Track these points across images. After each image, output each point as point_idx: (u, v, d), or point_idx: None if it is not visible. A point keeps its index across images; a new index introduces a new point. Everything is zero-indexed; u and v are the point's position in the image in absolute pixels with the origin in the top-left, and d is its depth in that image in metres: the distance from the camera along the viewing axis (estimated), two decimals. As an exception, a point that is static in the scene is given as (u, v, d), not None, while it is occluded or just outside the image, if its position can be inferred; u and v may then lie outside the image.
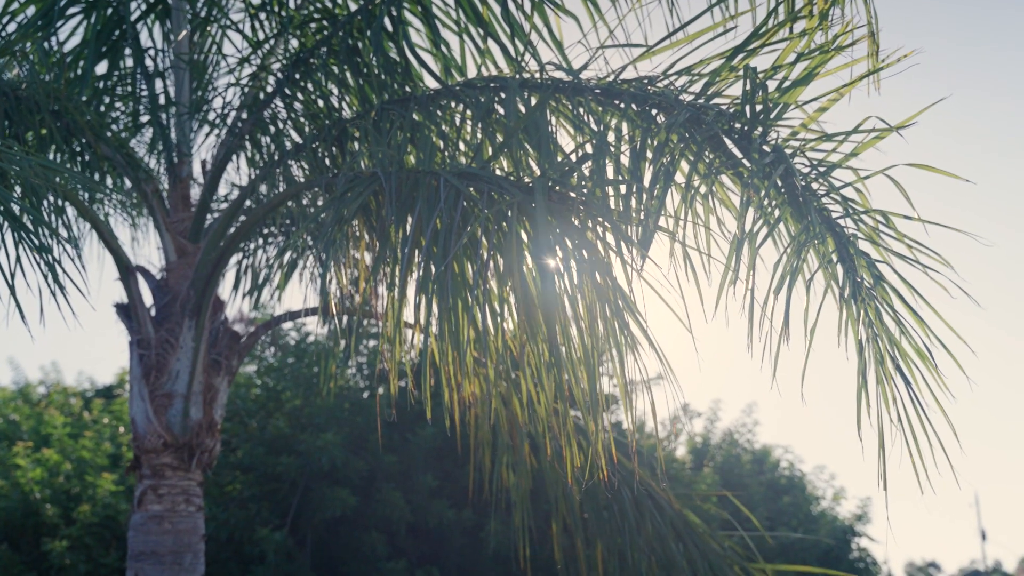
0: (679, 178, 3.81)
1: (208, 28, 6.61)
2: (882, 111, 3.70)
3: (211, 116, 6.36)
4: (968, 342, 3.48)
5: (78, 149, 6.12)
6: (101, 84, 6.52)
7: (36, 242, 4.47)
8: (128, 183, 6.39)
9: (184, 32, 6.18)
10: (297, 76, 5.93)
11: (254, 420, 11.13)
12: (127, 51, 6.52)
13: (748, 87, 3.55)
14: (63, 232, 5.62)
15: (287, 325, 13.01)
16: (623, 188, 3.71)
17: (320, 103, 5.90)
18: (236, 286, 7.27)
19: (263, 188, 6.39)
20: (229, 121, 6.38)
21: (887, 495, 3.27)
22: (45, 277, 4.41)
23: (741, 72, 3.84)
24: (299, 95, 6.11)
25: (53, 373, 17.88)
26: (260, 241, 7.44)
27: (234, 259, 7.42)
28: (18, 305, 4.21)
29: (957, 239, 3.33)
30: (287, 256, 7.00)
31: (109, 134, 6.28)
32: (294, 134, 6.14)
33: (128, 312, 6.02)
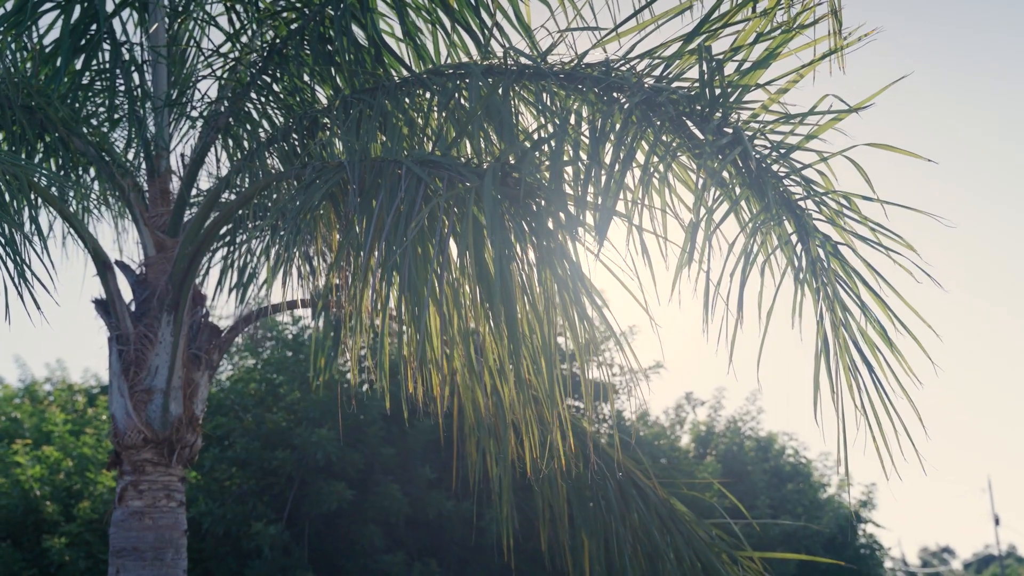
0: (640, 161, 3.75)
1: (185, 21, 6.57)
2: (848, 90, 3.64)
3: (189, 110, 6.33)
4: (938, 324, 3.42)
5: (52, 145, 6.09)
6: (82, 79, 6.49)
7: (3, 239, 4.46)
8: (105, 178, 6.36)
9: (155, 25, 6.14)
10: (271, 68, 5.89)
11: (249, 415, 11.13)
12: (105, 45, 6.48)
13: (704, 68, 3.49)
14: (40, 230, 5.65)
15: (284, 319, 13.00)
16: (582, 171, 3.66)
17: (293, 94, 5.87)
18: (220, 281, 7.23)
19: (245, 181, 6.35)
20: (207, 114, 6.35)
21: (849, 476, 3.20)
22: (11, 276, 4.40)
23: (702, 54, 3.77)
24: (275, 86, 6.07)
25: (59, 371, 17.91)
26: (245, 236, 7.40)
27: (220, 254, 7.39)
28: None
29: (919, 220, 3.27)
30: (274, 250, 6.95)
31: (87, 129, 6.26)
32: (270, 126, 6.10)
33: (107, 308, 6.00)
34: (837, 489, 16.83)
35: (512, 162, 3.90)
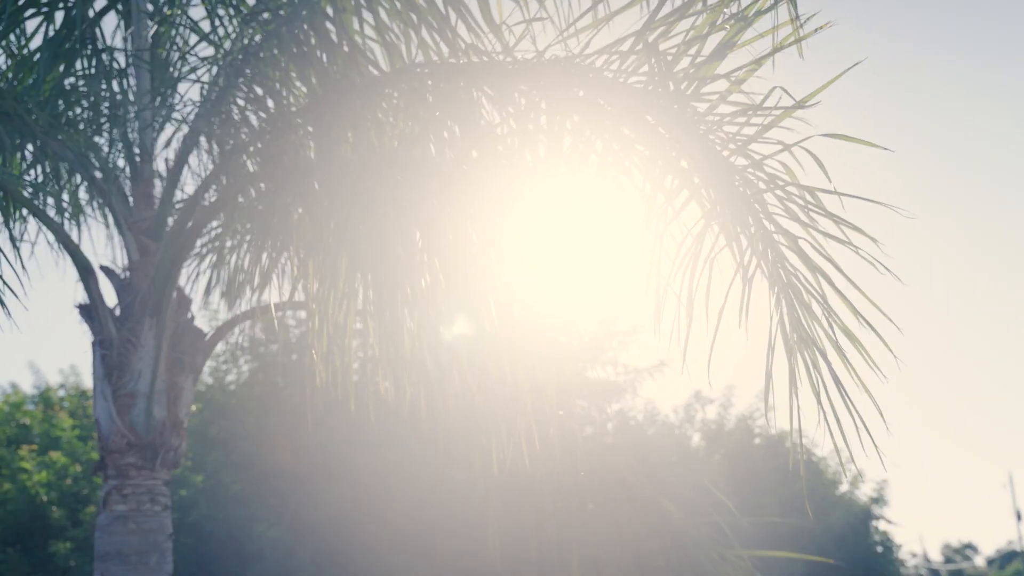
0: (599, 153, 3.71)
1: (167, 28, 6.57)
2: (810, 76, 3.58)
3: (171, 113, 6.33)
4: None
5: (35, 153, 6.11)
6: (64, 84, 6.49)
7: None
8: (88, 183, 6.37)
9: (131, 29, 6.15)
10: (248, 70, 5.88)
11: (251, 418, 11.15)
12: (87, 51, 6.48)
13: (655, 63, 3.45)
14: (13, 237, 5.71)
15: (290, 322, 13.00)
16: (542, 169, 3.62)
17: (273, 96, 5.85)
18: (210, 285, 7.22)
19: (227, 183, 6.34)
20: (190, 118, 6.34)
21: (802, 458, 3.15)
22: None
23: (667, 46, 3.73)
24: (256, 88, 6.05)
25: (72, 376, 18.01)
26: (235, 240, 7.38)
27: (210, 258, 7.38)
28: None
29: (877, 213, 3.21)
30: (255, 253, 6.93)
31: (73, 134, 6.27)
32: (249, 128, 6.08)
33: (90, 313, 6.02)
34: (850, 486, 16.70)
35: (475, 156, 3.88)
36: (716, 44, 3.53)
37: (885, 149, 3.24)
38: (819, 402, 3.24)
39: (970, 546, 48.35)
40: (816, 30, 3.31)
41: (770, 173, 3.43)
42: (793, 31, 3.43)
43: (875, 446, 3.15)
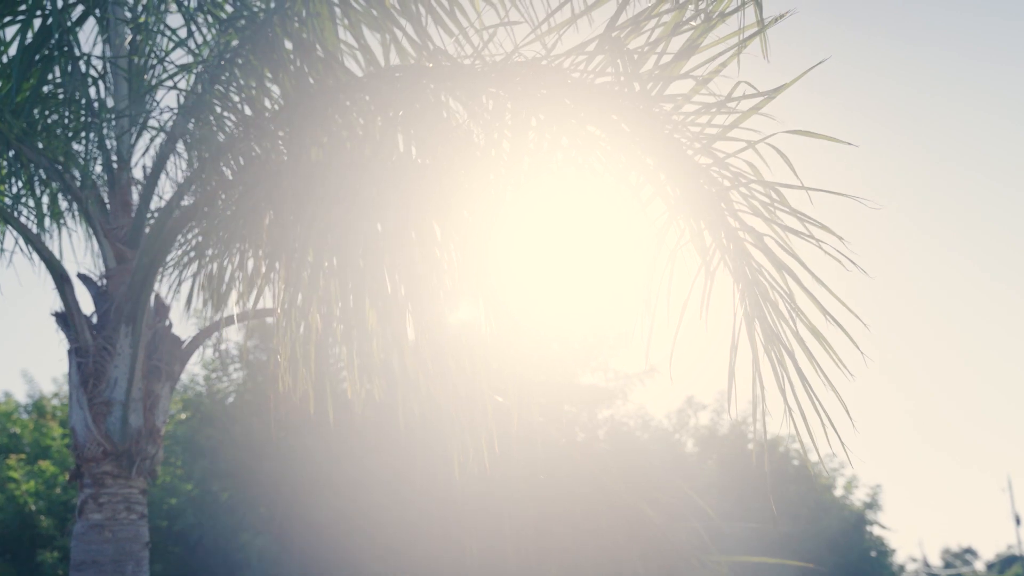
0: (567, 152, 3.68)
1: (144, 36, 6.54)
2: (775, 77, 3.56)
3: (148, 120, 6.31)
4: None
5: (11, 162, 6.08)
6: (40, 92, 6.46)
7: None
8: (65, 191, 6.35)
9: (107, 35, 6.12)
10: (225, 75, 5.86)
11: (237, 425, 11.12)
12: (65, 56, 6.45)
13: (620, 64, 3.43)
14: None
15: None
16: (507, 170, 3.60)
17: (245, 102, 5.83)
18: (192, 292, 7.18)
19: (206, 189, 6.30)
20: (167, 126, 6.32)
21: (765, 454, 3.12)
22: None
23: (633, 46, 3.71)
24: (233, 95, 6.03)
25: (66, 385, 17.99)
26: (216, 248, 7.34)
27: (191, 267, 7.34)
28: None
29: (849, 213, 3.18)
30: (239, 259, 6.90)
31: (50, 141, 6.24)
32: (225, 134, 6.06)
33: (66, 320, 5.98)
34: (844, 491, 16.65)
35: (442, 156, 3.86)
36: (682, 44, 3.51)
37: (849, 144, 3.21)
38: (785, 400, 3.21)
39: (970, 551, 48.26)
40: (778, 18, 3.28)
41: (735, 171, 3.41)
42: (759, 29, 3.40)
43: (842, 444, 3.12)
